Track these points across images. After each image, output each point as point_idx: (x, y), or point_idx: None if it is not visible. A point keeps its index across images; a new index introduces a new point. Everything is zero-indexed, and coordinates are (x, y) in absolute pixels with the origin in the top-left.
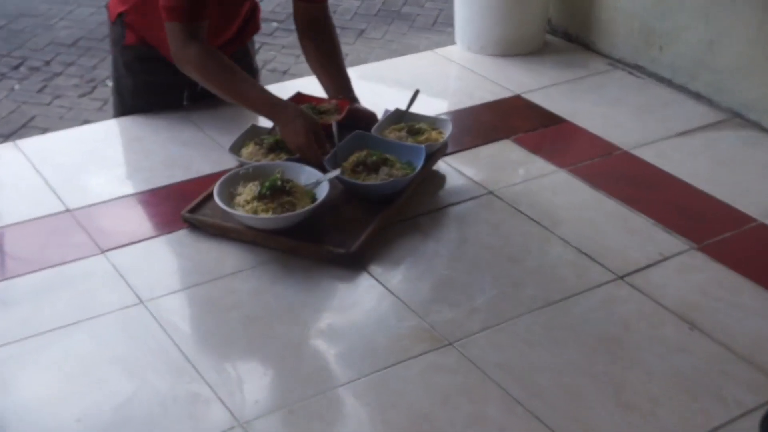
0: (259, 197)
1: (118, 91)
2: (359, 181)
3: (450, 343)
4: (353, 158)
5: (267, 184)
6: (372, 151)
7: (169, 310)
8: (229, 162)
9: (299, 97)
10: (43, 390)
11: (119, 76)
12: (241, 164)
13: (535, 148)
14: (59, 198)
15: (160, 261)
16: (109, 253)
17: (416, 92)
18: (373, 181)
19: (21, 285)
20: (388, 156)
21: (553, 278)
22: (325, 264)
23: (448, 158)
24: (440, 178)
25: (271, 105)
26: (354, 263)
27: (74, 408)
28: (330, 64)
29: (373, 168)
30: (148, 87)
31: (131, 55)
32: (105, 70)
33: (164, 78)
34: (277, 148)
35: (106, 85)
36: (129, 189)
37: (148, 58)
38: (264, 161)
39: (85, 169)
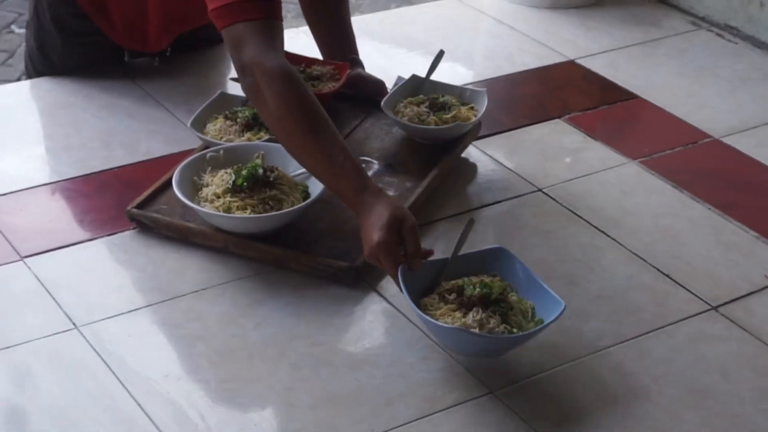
0: (234, 190)
1: (39, 45)
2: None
3: (490, 392)
4: None
5: (244, 172)
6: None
7: (113, 340)
8: (190, 141)
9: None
10: None
11: (42, 29)
12: (207, 145)
13: (596, 132)
14: None
15: (99, 273)
16: (30, 261)
17: (440, 54)
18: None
19: None
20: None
21: (625, 308)
22: (322, 281)
23: (481, 143)
24: (470, 170)
25: (358, 184)
26: (360, 280)
27: None
28: (329, 14)
29: None
30: (83, 47)
31: (64, 10)
32: (9, 9)
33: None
34: (255, 124)
35: (12, 32)
36: (53, 174)
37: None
38: (238, 142)
39: None
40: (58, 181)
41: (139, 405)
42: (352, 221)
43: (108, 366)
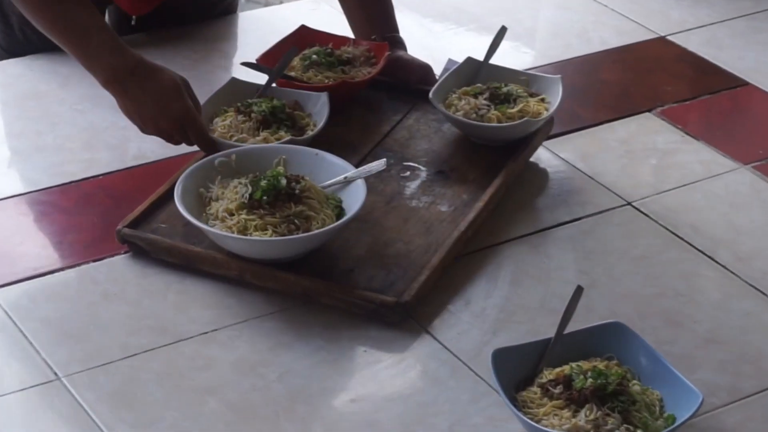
0: (250, 206)
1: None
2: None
3: None
4: None
5: (263, 183)
6: None
7: (103, 394)
8: None
9: (304, 34)
10: None
11: None
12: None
13: (697, 129)
14: None
15: (83, 309)
16: None
17: (501, 31)
18: None
19: None
20: None
21: (742, 354)
22: (361, 320)
23: (552, 143)
24: (540, 178)
25: (111, 49)
26: (408, 319)
27: None
28: None
29: None
30: None
31: None
32: None
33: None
34: (275, 120)
35: None
36: (22, 183)
37: None
38: (253, 143)
39: None
40: (29, 192)
41: None
42: (398, 244)
43: (98, 426)
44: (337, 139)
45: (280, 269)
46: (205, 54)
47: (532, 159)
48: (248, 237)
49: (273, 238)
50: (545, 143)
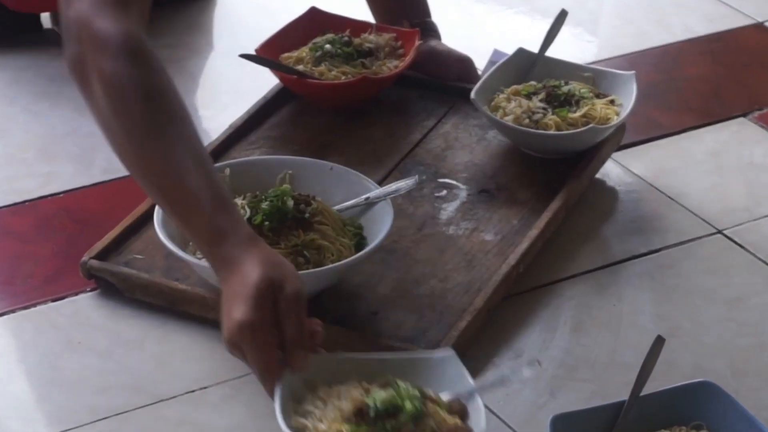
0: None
1: None
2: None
3: None
4: None
5: (265, 206)
6: None
7: None
8: None
9: (314, 18)
10: None
11: None
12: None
13: None
14: None
15: (40, 360)
16: None
17: (561, 15)
18: None
19: None
20: None
21: None
22: None
23: (623, 155)
24: (608, 199)
25: (216, 224)
26: None
27: None
28: None
29: None
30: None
31: None
32: None
33: None
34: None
35: None
36: None
37: None
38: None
39: None
40: None
41: None
42: (432, 281)
43: None
44: (356, 149)
45: None
46: (187, 37)
47: (598, 176)
48: None
49: None
50: (615, 155)
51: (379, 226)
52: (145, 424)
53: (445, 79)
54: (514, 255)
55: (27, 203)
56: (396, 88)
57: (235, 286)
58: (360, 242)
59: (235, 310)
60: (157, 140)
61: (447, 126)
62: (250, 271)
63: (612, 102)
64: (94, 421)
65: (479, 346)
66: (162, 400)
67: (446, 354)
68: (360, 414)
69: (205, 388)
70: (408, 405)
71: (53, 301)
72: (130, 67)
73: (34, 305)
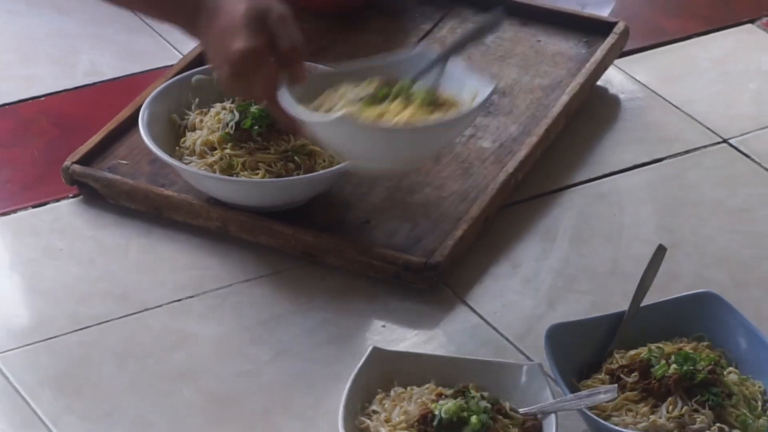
0: (237, 138)
1: None
2: None
3: None
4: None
5: (254, 109)
6: None
7: (45, 377)
8: (164, 54)
9: None
10: None
11: None
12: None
13: None
14: None
15: (18, 267)
16: None
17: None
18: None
19: None
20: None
21: None
22: (379, 286)
23: (626, 62)
24: (610, 107)
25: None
26: (439, 285)
27: None
28: None
29: None
30: None
31: None
32: None
33: None
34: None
35: None
36: None
37: None
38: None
39: None
40: None
41: None
42: (427, 189)
43: (38, 416)
44: (351, 55)
45: (275, 220)
46: None
47: (600, 83)
48: (234, 178)
49: (266, 179)
50: (617, 62)
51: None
52: (129, 333)
53: None
54: (512, 163)
55: (6, 107)
56: None
57: (223, 22)
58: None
59: (234, 42)
60: None
61: (444, 30)
62: (236, 4)
63: None
64: (76, 330)
65: (476, 256)
66: (147, 309)
67: (532, 366)
68: (424, 421)
69: (191, 297)
70: (474, 419)
71: (34, 207)
72: None
73: (14, 211)
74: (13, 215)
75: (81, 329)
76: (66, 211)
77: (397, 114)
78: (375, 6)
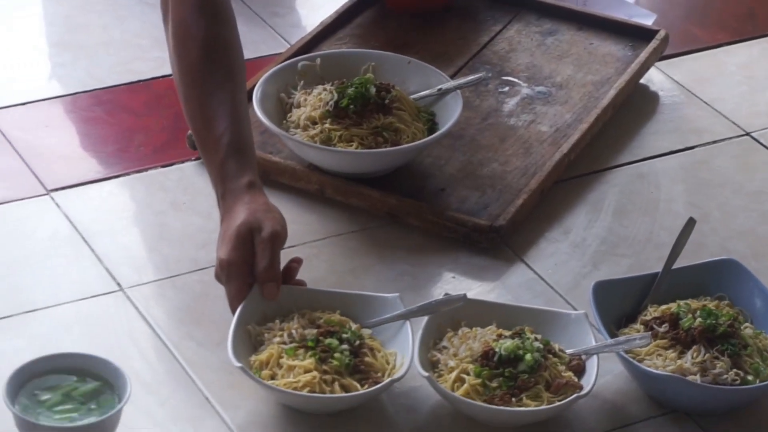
0: (335, 114)
1: None
2: None
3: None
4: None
5: (351, 91)
6: None
7: (170, 309)
8: (274, 43)
9: None
10: None
11: None
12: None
13: None
14: None
15: (150, 218)
16: (59, 197)
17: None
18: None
19: None
20: None
21: None
22: (451, 244)
23: (666, 64)
24: (650, 102)
25: (224, 171)
26: (501, 246)
27: None
28: None
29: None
30: None
31: None
32: None
33: None
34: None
35: None
36: (86, 80)
37: None
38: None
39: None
40: (93, 90)
41: (206, 398)
42: (493, 164)
43: (163, 342)
44: (430, 49)
45: (364, 185)
46: None
47: (643, 81)
48: (332, 148)
49: (359, 150)
50: (658, 64)
51: (450, 114)
52: None
53: None
54: (566, 145)
55: (141, 83)
56: None
57: (224, 226)
58: (432, 127)
59: (220, 249)
60: (201, 86)
61: (511, 31)
62: (237, 215)
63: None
64: (196, 270)
65: (533, 222)
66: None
67: (578, 314)
68: (486, 357)
69: (292, 246)
70: (528, 357)
71: (162, 167)
72: (197, 16)
73: (146, 170)
74: (145, 173)
75: (200, 270)
76: (189, 171)
77: (298, 376)
78: (452, 8)
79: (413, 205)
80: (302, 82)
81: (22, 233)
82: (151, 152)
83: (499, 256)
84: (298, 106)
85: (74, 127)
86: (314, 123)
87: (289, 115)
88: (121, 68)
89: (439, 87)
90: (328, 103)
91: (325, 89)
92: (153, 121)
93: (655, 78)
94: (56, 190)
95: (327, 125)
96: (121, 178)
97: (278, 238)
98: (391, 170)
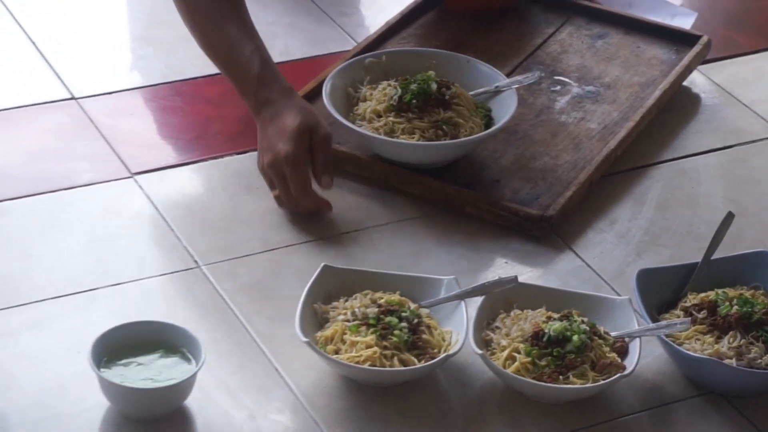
0: (399, 108)
1: None
2: None
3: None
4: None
5: (413, 87)
6: None
7: (242, 285)
8: (341, 40)
9: None
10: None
11: None
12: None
13: None
14: (58, 76)
15: (225, 201)
16: (142, 180)
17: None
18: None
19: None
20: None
21: None
22: (503, 231)
23: (708, 68)
24: (692, 103)
25: (258, 80)
26: (551, 234)
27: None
28: None
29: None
30: None
31: None
32: None
33: None
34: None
35: None
36: (168, 72)
37: None
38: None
39: (89, 35)
40: (173, 81)
41: (275, 368)
42: (545, 158)
43: (236, 315)
44: (487, 49)
45: (424, 175)
46: None
47: (686, 83)
48: (395, 140)
49: (420, 142)
50: (700, 68)
51: (505, 110)
52: (309, 255)
53: None
54: (613, 141)
55: (217, 75)
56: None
57: (281, 126)
58: (488, 122)
59: (282, 145)
60: (217, 18)
61: (563, 34)
62: (293, 116)
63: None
64: (267, 251)
65: (581, 213)
66: (322, 238)
67: (623, 300)
68: (536, 337)
69: (357, 230)
70: (575, 338)
71: (237, 154)
72: None
73: (222, 156)
74: (220, 159)
75: (271, 250)
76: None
77: (360, 351)
78: (509, 10)
79: (470, 194)
80: (368, 77)
81: (108, 212)
82: (227, 140)
83: (548, 243)
84: (364, 100)
85: (156, 116)
86: (379, 116)
87: (355, 108)
88: (199, 62)
89: (496, 85)
90: (392, 97)
91: (389, 85)
92: (228, 111)
93: (697, 80)
94: (139, 173)
95: (391, 118)
96: (198, 164)
97: (330, 138)
98: (449, 162)
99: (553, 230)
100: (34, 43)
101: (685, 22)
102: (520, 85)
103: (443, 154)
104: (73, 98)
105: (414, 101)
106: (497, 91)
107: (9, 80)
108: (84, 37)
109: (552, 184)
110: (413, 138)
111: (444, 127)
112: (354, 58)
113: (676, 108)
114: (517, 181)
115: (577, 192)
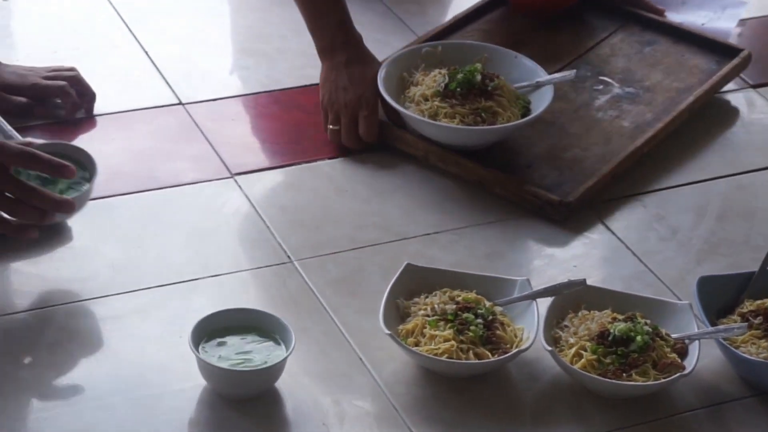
0: (444, 94)
1: None
2: None
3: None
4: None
5: (460, 76)
6: None
7: (330, 280)
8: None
9: None
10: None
11: None
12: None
13: None
14: (168, 83)
15: (316, 201)
16: (241, 180)
17: None
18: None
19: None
20: None
21: None
22: (527, 213)
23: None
24: (730, 115)
25: (338, 23)
26: (570, 219)
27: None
28: None
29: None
30: None
31: None
32: None
33: None
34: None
35: None
36: (266, 81)
37: None
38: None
39: (196, 47)
40: (272, 91)
41: (359, 357)
42: (576, 150)
43: (325, 308)
44: (542, 47)
45: (462, 156)
46: None
47: (728, 97)
48: (436, 122)
49: (459, 126)
50: (761, 90)
51: (542, 103)
52: (390, 254)
53: (620, 3)
54: (641, 139)
55: (312, 86)
56: (582, 4)
57: (358, 70)
58: (526, 113)
59: (359, 88)
60: None
61: (615, 39)
62: (370, 66)
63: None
64: (354, 249)
65: (608, 197)
66: (404, 239)
67: (683, 304)
68: (602, 336)
69: (437, 232)
70: (639, 338)
71: (329, 159)
72: None
73: (314, 161)
74: (313, 164)
75: (357, 248)
76: (350, 163)
77: (438, 344)
78: (568, 14)
79: (500, 178)
80: (423, 65)
81: (210, 209)
82: (320, 146)
83: (566, 227)
84: (417, 84)
85: (254, 122)
86: (426, 100)
87: (407, 91)
88: (296, 73)
89: (537, 79)
90: (439, 84)
91: (440, 73)
92: (321, 119)
93: (739, 96)
94: (239, 174)
95: (436, 103)
96: (293, 167)
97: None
98: (486, 146)
99: (571, 216)
100: (147, 53)
101: (736, 13)
102: (559, 81)
103: (478, 138)
104: (180, 104)
105: (458, 89)
106: (538, 86)
107: (125, 87)
108: (192, 49)
109: (577, 174)
110: (453, 122)
111: (483, 114)
112: (413, 46)
113: (714, 118)
114: (546, 168)
115: (598, 182)
